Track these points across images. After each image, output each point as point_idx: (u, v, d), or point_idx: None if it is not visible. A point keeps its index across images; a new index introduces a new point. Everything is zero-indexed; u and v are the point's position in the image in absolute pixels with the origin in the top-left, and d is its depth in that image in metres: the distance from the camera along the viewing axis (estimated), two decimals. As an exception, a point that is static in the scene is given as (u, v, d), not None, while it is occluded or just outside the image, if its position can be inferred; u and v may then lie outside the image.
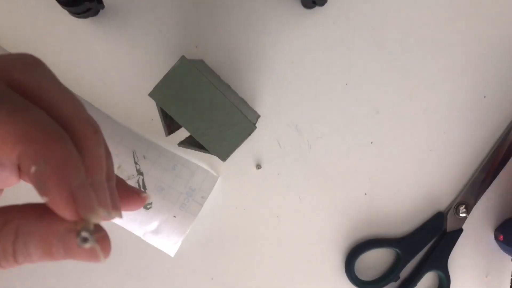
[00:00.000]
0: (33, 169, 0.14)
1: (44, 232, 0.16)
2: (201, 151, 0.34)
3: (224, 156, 0.33)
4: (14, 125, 0.14)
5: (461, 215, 0.41)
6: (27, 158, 0.14)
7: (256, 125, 0.35)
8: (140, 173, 0.38)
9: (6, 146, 0.14)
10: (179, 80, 0.31)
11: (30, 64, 0.17)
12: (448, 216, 0.41)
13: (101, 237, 0.16)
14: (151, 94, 0.31)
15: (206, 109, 0.32)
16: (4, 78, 0.16)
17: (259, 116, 0.41)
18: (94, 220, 0.15)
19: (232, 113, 0.32)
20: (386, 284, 0.41)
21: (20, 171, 0.17)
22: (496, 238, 0.41)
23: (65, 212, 0.15)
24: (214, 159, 0.39)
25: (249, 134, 0.33)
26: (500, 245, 0.41)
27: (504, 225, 0.41)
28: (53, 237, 0.15)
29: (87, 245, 0.15)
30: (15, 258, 0.15)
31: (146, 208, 0.39)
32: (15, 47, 0.40)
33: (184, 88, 0.31)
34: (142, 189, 0.39)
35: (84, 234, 0.15)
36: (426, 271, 0.41)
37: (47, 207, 0.15)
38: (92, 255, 0.16)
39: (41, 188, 0.15)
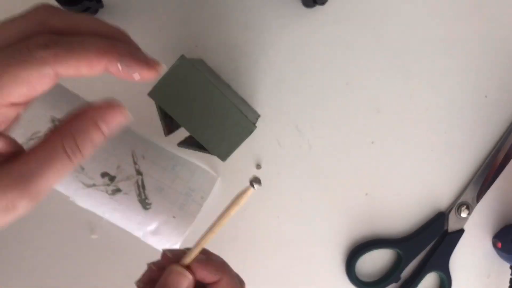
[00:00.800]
0: (119, 65, 0.21)
1: None
2: (201, 151, 0.34)
3: (224, 156, 0.32)
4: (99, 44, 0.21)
5: (462, 215, 0.41)
6: (112, 61, 0.21)
7: (256, 125, 0.35)
8: (139, 173, 0.38)
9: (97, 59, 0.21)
10: (178, 80, 0.31)
11: (55, 11, 0.22)
12: (450, 217, 0.41)
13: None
14: (150, 94, 0.31)
15: (205, 108, 0.31)
16: (47, 28, 0.21)
17: (259, 116, 0.41)
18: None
19: (232, 113, 0.32)
20: (387, 285, 0.41)
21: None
22: (494, 245, 0.41)
23: (148, 70, 0.23)
24: (214, 159, 0.39)
25: (249, 134, 0.32)
26: (498, 253, 0.41)
27: (502, 232, 0.41)
28: None
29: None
30: None
31: (145, 208, 0.38)
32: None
33: (184, 88, 0.31)
34: (141, 189, 0.38)
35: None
36: (427, 271, 0.41)
37: None
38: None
39: (129, 71, 0.22)
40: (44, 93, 0.22)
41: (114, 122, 0.22)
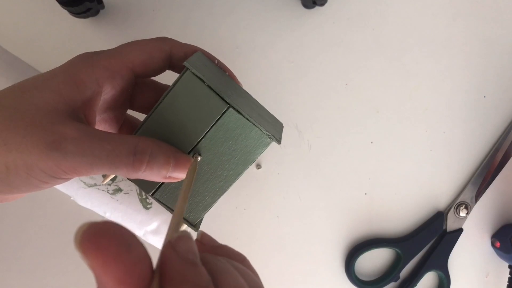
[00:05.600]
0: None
1: None
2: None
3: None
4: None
5: (461, 215, 0.41)
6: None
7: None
8: (140, 173, 0.38)
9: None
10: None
11: None
12: (448, 216, 0.41)
13: None
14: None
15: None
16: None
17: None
18: None
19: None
20: (386, 284, 0.41)
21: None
22: (492, 244, 0.41)
23: None
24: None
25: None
26: (497, 252, 0.41)
27: (501, 232, 0.41)
28: None
29: None
30: None
31: (146, 208, 0.39)
32: (15, 47, 0.40)
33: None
34: (141, 189, 0.38)
35: None
36: (426, 271, 0.41)
37: None
38: None
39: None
40: (156, 70, 0.26)
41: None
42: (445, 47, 0.41)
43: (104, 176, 0.30)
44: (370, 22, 0.41)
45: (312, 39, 0.41)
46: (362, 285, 0.41)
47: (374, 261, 0.43)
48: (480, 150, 0.42)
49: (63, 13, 0.38)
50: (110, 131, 0.29)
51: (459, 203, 0.41)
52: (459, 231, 0.42)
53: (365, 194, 0.42)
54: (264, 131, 0.26)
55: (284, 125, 0.42)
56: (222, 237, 0.42)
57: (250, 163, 0.27)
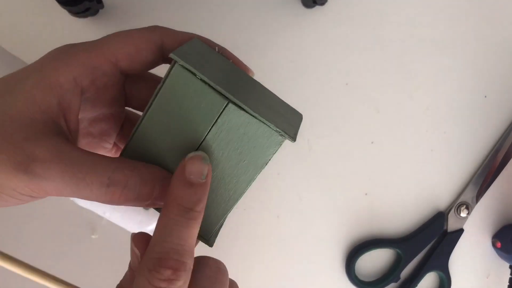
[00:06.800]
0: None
1: None
2: None
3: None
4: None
5: (461, 215, 0.41)
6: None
7: None
8: (139, 173, 0.38)
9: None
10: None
11: None
12: (449, 216, 0.41)
13: None
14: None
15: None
16: None
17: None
18: None
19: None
20: (387, 284, 0.41)
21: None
22: (493, 245, 0.41)
23: None
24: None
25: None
26: (498, 252, 0.41)
27: (502, 232, 0.41)
28: None
29: None
30: None
31: (145, 208, 0.39)
32: (15, 47, 0.40)
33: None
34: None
35: None
36: (427, 271, 0.41)
37: None
38: None
39: None
40: (146, 64, 0.24)
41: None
42: (445, 47, 0.41)
43: None
44: (371, 22, 0.41)
45: (312, 38, 0.41)
46: (362, 285, 0.41)
47: (374, 261, 0.42)
48: (481, 150, 0.42)
49: (63, 12, 0.38)
50: (110, 130, 0.27)
51: (460, 203, 0.41)
52: (460, 231, 0.41)
53: (366, 194, 0.42)
54: (274, 128, 0.22)
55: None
56: (222, 237, 0.42)
57: (262, 166, 0.23)
